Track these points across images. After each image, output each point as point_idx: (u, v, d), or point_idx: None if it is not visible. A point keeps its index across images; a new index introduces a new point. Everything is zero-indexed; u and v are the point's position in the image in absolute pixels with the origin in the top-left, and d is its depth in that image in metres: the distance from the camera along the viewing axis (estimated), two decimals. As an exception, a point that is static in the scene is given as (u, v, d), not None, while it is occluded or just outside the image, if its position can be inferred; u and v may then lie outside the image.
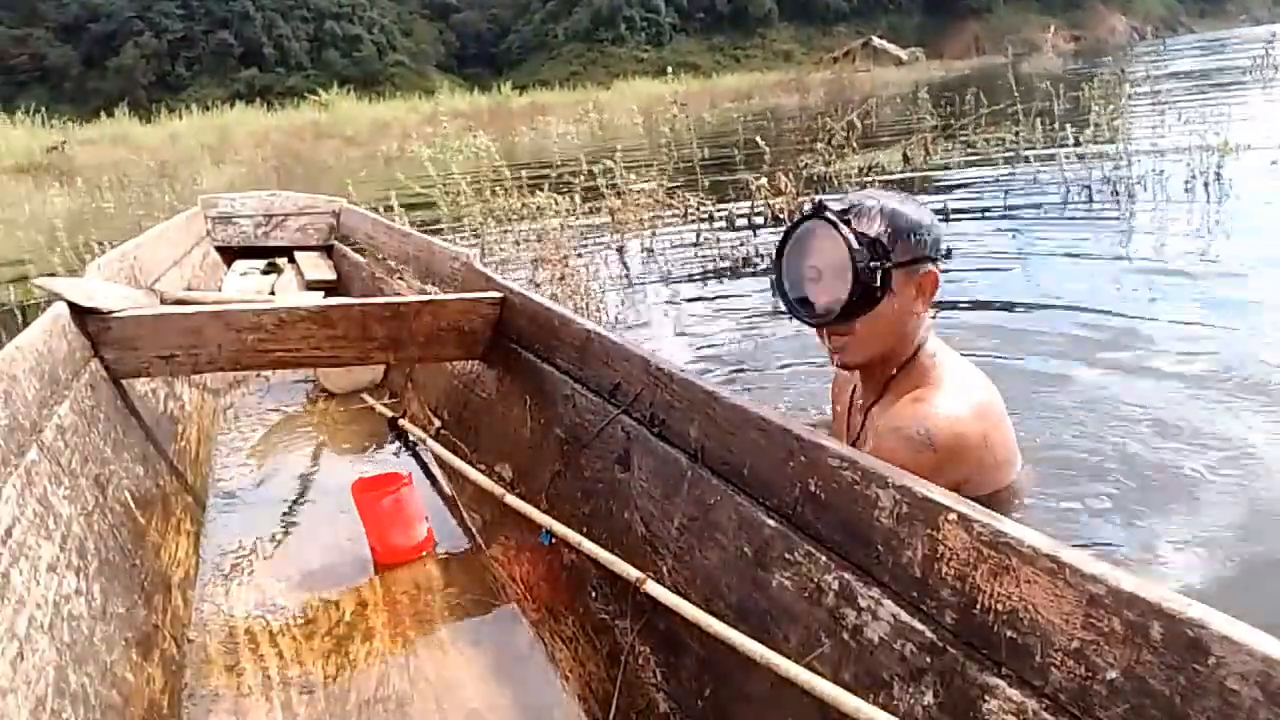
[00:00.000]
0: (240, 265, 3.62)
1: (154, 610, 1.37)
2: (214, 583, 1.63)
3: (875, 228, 1.24)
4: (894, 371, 1.31)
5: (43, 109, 20.95)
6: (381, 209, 4.82)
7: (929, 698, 0.77)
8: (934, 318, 1.35)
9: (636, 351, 1.42)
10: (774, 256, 1.33)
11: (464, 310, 1.98)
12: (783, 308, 1.32)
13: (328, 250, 3.79)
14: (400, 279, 2.91)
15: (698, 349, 2.77)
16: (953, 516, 0.79)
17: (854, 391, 1.43)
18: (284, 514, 1.93)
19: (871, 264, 1.22)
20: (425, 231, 5.09)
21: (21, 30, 31.72)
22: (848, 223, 1.24)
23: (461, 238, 5.06)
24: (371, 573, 1.64)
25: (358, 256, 3.43)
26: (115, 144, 17.56)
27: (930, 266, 1.27)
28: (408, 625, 1.46)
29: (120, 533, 1.40)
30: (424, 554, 1.70)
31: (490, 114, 21.04)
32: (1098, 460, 1.54)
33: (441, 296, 2.13)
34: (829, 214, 1.26)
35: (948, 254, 1.33)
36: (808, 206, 1.31)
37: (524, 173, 5.57)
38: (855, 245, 1.22)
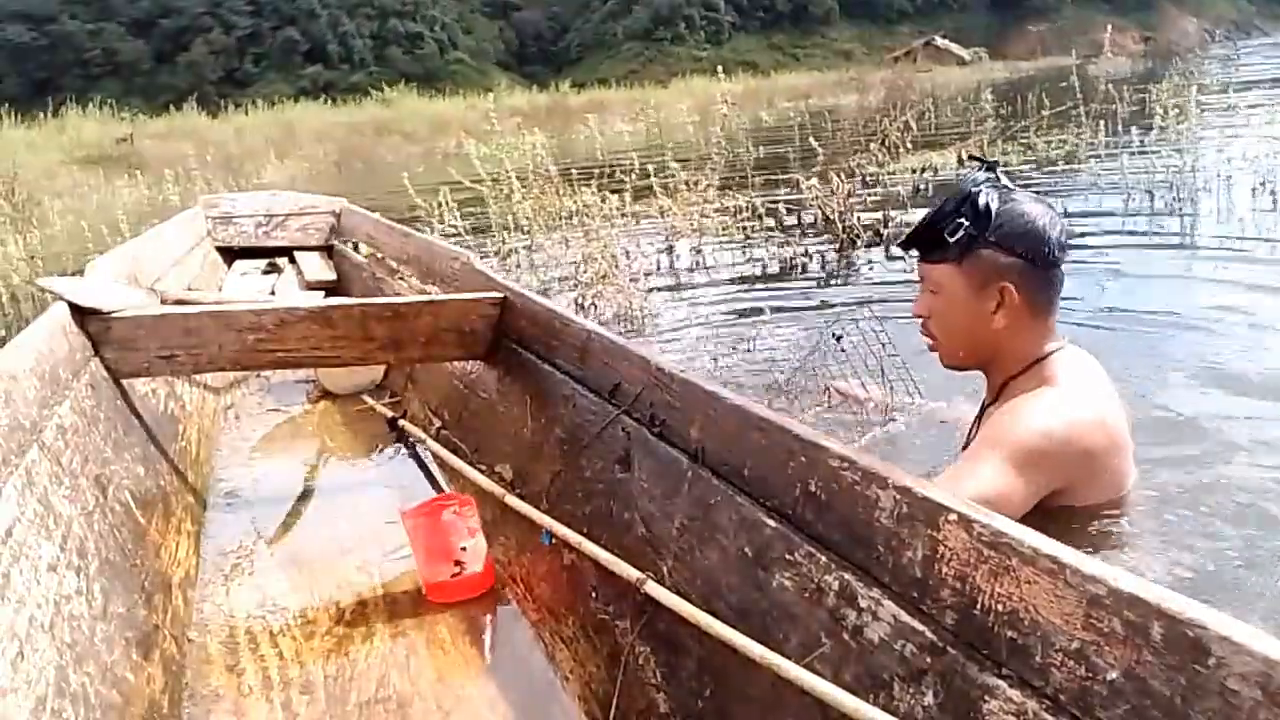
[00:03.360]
0: (240, 265, 3.69)
1: (154, 610, 1.39)
2: (214, 583, 1.66)
3: (998, 205, 1.28)
4: (1012, 376, 1.35)
5: (114, 102, 21.75)
6: (435, 205, 4.97)
7: (929, 698, 0.78)
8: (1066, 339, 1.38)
9: (637, 351, 1.45)
10: None
11: (464, 310, 2.02)
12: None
13: (328, 250, 3.84)
14: (400, 279, 2.96)
15: (743, 353, 2.76)
16: (953, 517, 0.80)
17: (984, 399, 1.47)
18: (284, 514, 1.96)
19: (960, 219, 1.27)
20: (475, 229, 5.22)
21: (95, 24, 33.16)
22: (993, 190, 1.29)
23: (510, 235, 5.17)
24: (372, 573, 1.67)
25: (358, 256, 3.48)
26: (183, 138, 18.03)
27: (1008, 284, 1.29)
28: (408, 625, 1.49)
29: (121, 533, 1.42)
30: (475, 596, 1.56)
31: (548, 112, 21.29)
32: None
33: (442, 296, 2.18)
34: (977, 168, 1.33)
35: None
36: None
37: (575, 171, 5.70)
38: (964, 193, 1.28)
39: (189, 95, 25.21)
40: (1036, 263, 1.30)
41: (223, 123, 20.57)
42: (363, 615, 1.53)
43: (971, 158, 1.52)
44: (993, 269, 1.30)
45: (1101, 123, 6.16)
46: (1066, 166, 5.85)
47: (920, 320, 1.42)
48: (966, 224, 1.28)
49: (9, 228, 7.23)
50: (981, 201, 1.28)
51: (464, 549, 1.56)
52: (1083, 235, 4.06)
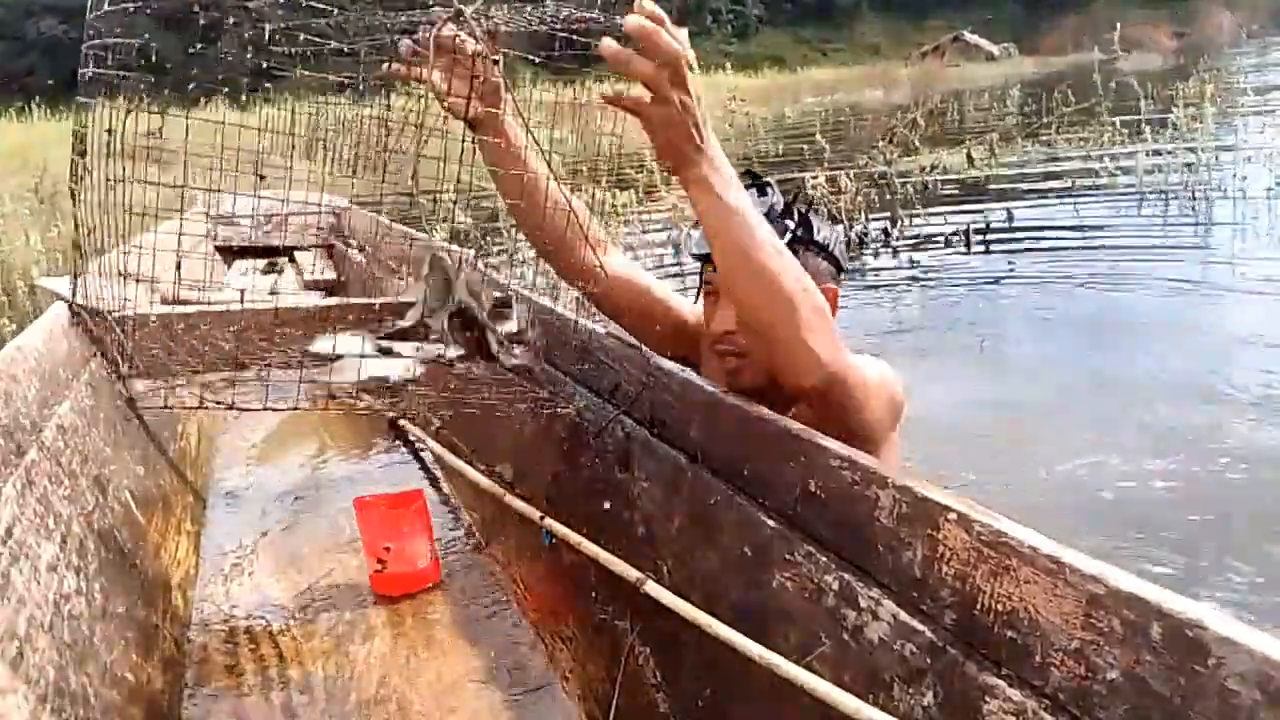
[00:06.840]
0: (240, 265, 3.72)
1: (154, 610, 1.39)
2: (214, 583, 1.67)
3: (800, 209, 1.29)
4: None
5: (144, 96, 22.18)
6: (437, 205, 4.98)
7: (929, 698, 0.79)
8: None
9: (636, 352, 1.46)
10: None
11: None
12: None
13: (328, 250, 3.87)
14: (400, 278, 2.96)
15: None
16: (953, 516, 0.80)
17: None
18: (284, 514, 1.98)
19: (785, 223, 1.25)
20: (484, 226, 5.23)
21: (127, 18, 34.14)
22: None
23: (519, 233, 5.20)
24: (371, 573, 1.67)
25: (358, 256, 3.49)
26: (214, 132, 18.36)
27: (832, 283, 1.29)
28: (408, 625, 1.50)
29: (120, 533, 1.43)
30: (427, 587, 1.63)
31: (571, 107, 21.46)
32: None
33: None
34: (765, 181, 1.30)
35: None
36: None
37: (584, 168, 5.70)
38: (778, 202, 1.27)
39: (218, 89, 25.60)
40: (840, 270, 1.33)
41: (252, 116, 20.77)
42: (362, 615, 1.54)
43: (747, 173, 1.39)
44: (815, 273, 1.23)
45: (1121, 120, 6.15)
46: (1083, 165, 5.84)
47: (726, 337, 1.29)
48: (792, 227, 1.26)
49: (34, 221, 7.28)
50: (800, 207, 1.29)
51: (387, 549, 1.61)
52: (1092, 230, 4.07)
